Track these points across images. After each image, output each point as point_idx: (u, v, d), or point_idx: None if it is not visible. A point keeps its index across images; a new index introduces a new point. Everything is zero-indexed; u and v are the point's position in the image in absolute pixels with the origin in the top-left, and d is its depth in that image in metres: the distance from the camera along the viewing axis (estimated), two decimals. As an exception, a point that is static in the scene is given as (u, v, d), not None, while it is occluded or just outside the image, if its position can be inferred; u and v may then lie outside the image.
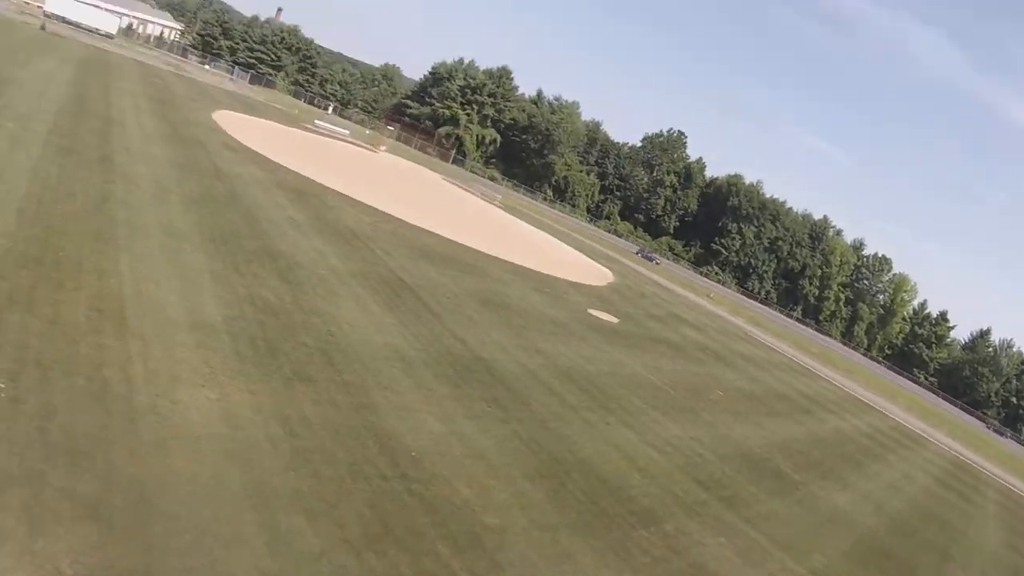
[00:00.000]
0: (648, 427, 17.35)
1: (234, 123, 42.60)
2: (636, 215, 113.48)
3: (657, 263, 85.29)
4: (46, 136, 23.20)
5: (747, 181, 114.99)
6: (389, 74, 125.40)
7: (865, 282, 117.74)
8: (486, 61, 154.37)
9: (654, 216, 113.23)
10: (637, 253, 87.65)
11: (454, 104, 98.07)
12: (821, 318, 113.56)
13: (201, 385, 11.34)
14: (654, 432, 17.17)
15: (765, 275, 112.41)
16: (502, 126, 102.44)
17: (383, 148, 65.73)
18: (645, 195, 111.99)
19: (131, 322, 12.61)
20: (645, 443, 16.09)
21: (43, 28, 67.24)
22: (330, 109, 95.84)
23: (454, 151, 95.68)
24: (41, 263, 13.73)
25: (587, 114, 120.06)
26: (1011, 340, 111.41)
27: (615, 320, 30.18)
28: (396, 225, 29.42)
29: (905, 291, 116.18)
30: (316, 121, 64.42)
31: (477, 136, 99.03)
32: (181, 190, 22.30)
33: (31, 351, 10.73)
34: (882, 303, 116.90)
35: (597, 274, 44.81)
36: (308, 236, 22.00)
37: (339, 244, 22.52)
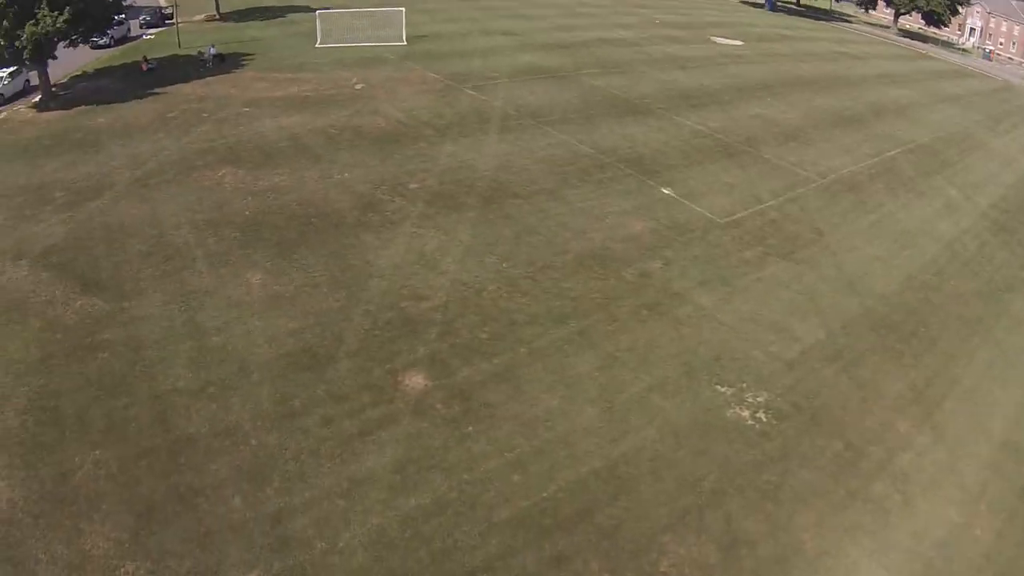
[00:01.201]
0: None
1: None
2: None
3: None
4: (985, 209, 21.16)
5: None
6: None
7: None
8: None
9: None
10: None
11: None
12: None
13: (943, 502, 10.59)
14: None
15: None
16: None
17: None
18: None
19: (938, 414, 12.04)
20: None
21: None
22: None
23: None
24: (894, 330, 13.21)
25: None
26: None
27: None
28: None
29: None
30: None
31: None
32: None
33: (816, 401, 11.08)
34: None
35: None
36: None
37: None
